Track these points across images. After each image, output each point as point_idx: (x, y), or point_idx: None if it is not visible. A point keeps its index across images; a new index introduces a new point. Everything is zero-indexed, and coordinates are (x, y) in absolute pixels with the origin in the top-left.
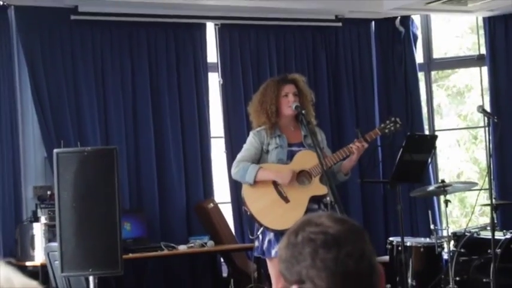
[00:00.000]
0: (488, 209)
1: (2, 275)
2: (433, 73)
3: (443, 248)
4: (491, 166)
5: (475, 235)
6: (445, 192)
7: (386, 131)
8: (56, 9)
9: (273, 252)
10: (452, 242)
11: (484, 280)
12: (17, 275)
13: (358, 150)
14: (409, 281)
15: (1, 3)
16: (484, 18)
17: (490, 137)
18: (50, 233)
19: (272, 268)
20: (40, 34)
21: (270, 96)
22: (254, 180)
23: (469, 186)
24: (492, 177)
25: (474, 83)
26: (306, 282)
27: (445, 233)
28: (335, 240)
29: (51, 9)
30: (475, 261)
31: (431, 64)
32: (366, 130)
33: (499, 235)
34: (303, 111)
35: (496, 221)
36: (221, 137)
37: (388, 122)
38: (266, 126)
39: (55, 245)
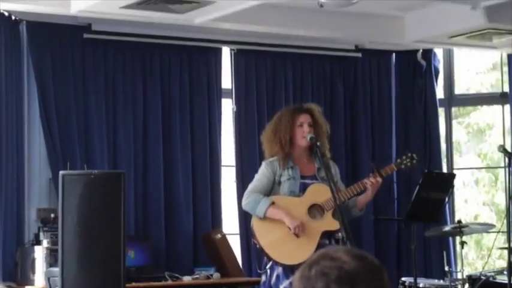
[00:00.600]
0: (505, 252)
1: None
2: (453, 109)
3: None
4: (510, 208)
5: (491, 279)
6: (461, 233)
7: (403, 166)
8: (69, 27)
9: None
10: (467, 285)
11: None
12: None
13: (372, 185)
14: None
15: (13, 18)
16: (508, 55)
17: (510, 178)
18: (52, 258)
19: None
20: (51, 51)
21: (284, 125)
22: (264, 215)
23: (486, 228)
24: (511, 220)
25: (496, 121)
26: None
27: (459, 276)
28: (349, 276)
29: (64, 26)
30: None
31: (452, 100)
32: (382, 165)
33: None
34: (318, 143)
35: None
36: (232, 166)
37: (404, 157)
38: (279, 157)
39: (56, 270)
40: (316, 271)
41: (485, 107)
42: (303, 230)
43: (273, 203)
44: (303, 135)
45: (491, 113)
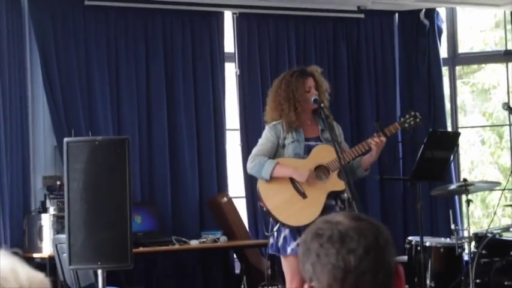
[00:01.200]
0: (511, 209)
1: (7, 266)
2: (457, 69)
3: (463, 249)
4: None
5: (497, 236)
6: (467, 192)
7: (406, 125)
8: None
9: (289, 249)
10: (473, 243)
11: (506, 283)
12: (23, 267)
13: (377, 145)
14: (428, 282)
15: None
16: None
17: None
18: (59, 225)
19: (286, 266)
20: (53, 20)
21: (299, 93)
22: (270, 176)
23: (492, 185)
24: None
25: (500, 80)
26: (313, 279)
27: (466, 234)
28: (341, 235)
29: None
30: (497, 264)
31: (456, 59)
32: (386, 125)
33: None
34: (322, 104)
35: None
36: (237, 130)
37: (407, 116)
38: (284, 120)
39: (63, 236)
40: (312, 233)
41: (489, 66)
42: (311, 185)
43: (278, 163)
44: (311, 99)
45: (495, 73)
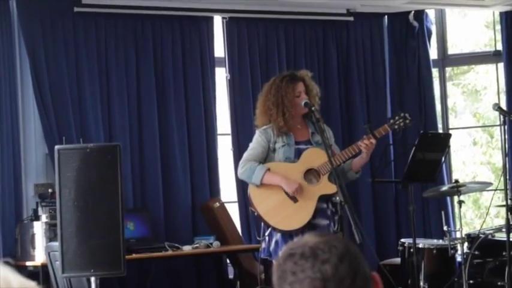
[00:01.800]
0: (503, 210)
1: (0, 275)
2: (448, 70)
3: (456, 250)
4: (507, 166)
5: (490, 237)
6: (458, 193)
7: (396, 127)
8: (58, 1)
9: (280, 253)
10: (466, 244)
11: (499, 283)
12: (15, 276)
13: (367, 147)
14: (421, 283)
15: None
16: (500, 13)
17: (506, 136)
18: (51, 232)
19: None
20: (42, 26)
21: (288, 99)
22: (261, 182)
23: (483, 186)
24: (508, 177)
25: (490, 81)
26: None
27: (458, 235)
28: (312, 250)
29: (54, 0)
30: (490, 264)
31: (446, 60)
32: (377, 127)
33: None
34: (313, 108)
35: (511, 223)
36: (228, 134)
37: (397, 117)
38: (274, 125)
39: (56, 244)
40: (284, 256)
41: (479, 67)
42: (301, 192)
43: (268, 170)
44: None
45: (485, 74)
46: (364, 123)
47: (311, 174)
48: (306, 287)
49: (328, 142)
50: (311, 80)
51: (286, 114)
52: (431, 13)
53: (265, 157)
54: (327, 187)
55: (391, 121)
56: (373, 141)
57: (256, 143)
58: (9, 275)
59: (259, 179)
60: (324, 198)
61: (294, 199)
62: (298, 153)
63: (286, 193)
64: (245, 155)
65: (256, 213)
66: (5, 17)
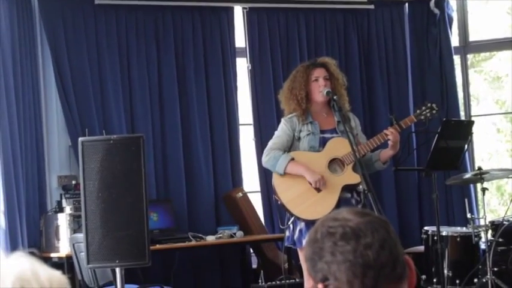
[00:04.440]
0: None
1: (28, 267)
2: (469, 57)
3: (480, 238)
4: None
5: None
6: (482, 180)
7: (422, 117)
8: None
9: (304, 242)
10: (489, 231)
11: None
12: (42, 267)
13: (392, 135)
14: (445, 271)
15: None
16: None
17: None
18: (75, 224)
19: (303, 259)
20: (63, 19)
21: (299, 82)
22: (284, 171)
23: (507, 173)
24: None
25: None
26: (330, 278)
27: (482, 222)
28: (354, 232)
29: None
30: None
31: (467, 47)
32: (399, 116)
33: None
34: (335, 97)
35: None
36: (250, 124)
37: (423, 108)
38: (297, 113)
39: (80, 235)
40: (322, 232)
41: (501, 53)
42: (324, 184)
43: (292, 159)
44: (319, 89)
45: (507, 60)
46: (386, 112)
47: (335, 163)
48: (344, 270)
49: (354, 131)
50: (336, 69)
51: (299, 98)
52: (452, 0)
53: (290, 145)
54: (351, 177)
55: (418, 111)
56: (398, 129)
57: (281, 131)
58: (36, 265)
59: (283, 168)
60: (348, 188)
61: (317, 188)
62: (323, 142)
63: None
64: (270, 143)
65: (279, 202)
66: (26, 11)
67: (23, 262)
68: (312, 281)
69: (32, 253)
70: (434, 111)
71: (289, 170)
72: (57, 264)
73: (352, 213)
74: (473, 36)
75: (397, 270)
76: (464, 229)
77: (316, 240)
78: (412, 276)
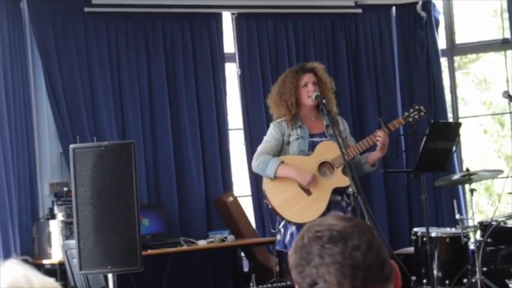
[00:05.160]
0: None
1: (21, 274)
2: (456, 60)
3: (469, 238)
4: None
5: (502, 224)
6: (470, 181)
7: (410, 119)
8: (69, 2)
9: (290, 250)
10: (478, 232)
11: None
12: (36, 274)
13: (381, 138)
14: (435, 272)
15: None
16: (508, 1)
17: None
18: (67, 230)
19: (290, 266)
20: (53, 27)
21: (289, 87)
22: (274, 175)
23: (495, 174)
24: None
25: (499, 69)
26: (319, 282)
27: (471, 223)
28: (341, 234)
29: (64, 1)
30: (503, 251)
31: (454, 49)
32: (388, 119)
33: None
34: (324, 101)
35: None
36: (240, 129)
37: (411, 110)
38: (287, 118)
39: (73, 242)
40: (309, 237)
41: (487, 55)
42: (315, 185)
43: (282, 162)
44: (308, 94)
45: (493, 62)
46: (375, 115)
47: (325, 167)
48: (333, 272)
49: (343, 134)
50: (325, 73)
51: (288, 103)
52: (438, 3)
53: (280, 150)
54: (341, 180)
55: (406, 114)
56: (387, 131)
57: (270, 136)
58: (30, 273)
59: (273, 172)
60: (338, 191)
61: (308, 192)
62: (312, 146)
63: (301, 186)
64: (259, 148)
65: (270, 206)
66: (16, 18)
67: (17, 270)
68: None
69: (25, 260)
70: (422, 113)
71: (280, 173)
72: (50, 271)
73: (337, 218)
74: (459, 39)
75: (385, 271)
76: (453, 230)
77: (303, 245)
78: (397, 279)
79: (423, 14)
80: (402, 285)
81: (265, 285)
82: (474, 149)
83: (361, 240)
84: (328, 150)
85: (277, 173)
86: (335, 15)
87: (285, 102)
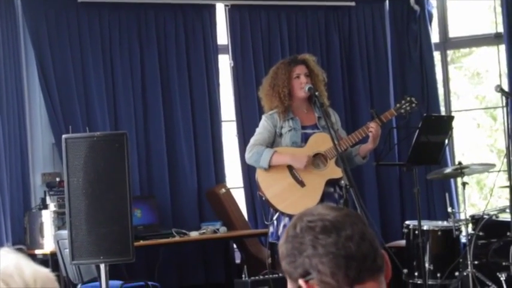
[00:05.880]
0: (507, 191)
1: (11, 263)
2: (449, 53)
3: (461, 232)
4: (510, 146)
5: (494, 218)
6: (462, 174)
7: (402, 111)
8: None
9: (281, 239)
10: (470, 225)
11: (504, 263)
12: (28, 263)
13: (373, 131)
14: (427, 265)
15: None
16: None
17: (509, 117)
18: (60, 221)
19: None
20: (46, 18)
21: (281, 79)
22: (269, 164)
23: (487, 167)
24: (511, 158)
25: (492, 64)
26: (311, 272)
27: (462, 216)
28: (333, 225)
29: None
30: (494, 244)
31: (447, 43)
32: (381, 111)
33: None
34: (316, 93)
35: None
36: (232, 121)
37: (403, 101)
38: (278, 110)
39: (65, 232)
40: (301, 227)
41: (480, 49)
42: (309, 174)
43: (276, 152)
44: (301, 86)
45: (486, 56)
46: (368, 108)
47: (318, 159)
48: (326, 263)
49: (335, 126)
50: (316, 65)
51: (281, 95)
52: None
53: (272, 142)
54: (334, 171)
55: (398, 105)
56: (380, 125)
57: (263, 127)
58: (22, 262)
59: (267, 161)
60: (331, 183)
61: (301, 183)
62: (305, 138)
63: (294, 177)
64: (252, 140)
65: (264, 198)
66: (9, 8)
67: (7, 258)
68: (291, 282)
69: (19, 249)
70: (414, 105)
71: (275, 162)
72: (42, 261)
73: (328, 208)
74: (453, 33)
75: (378, 261)
76: (445, 223)
77: (295, 235)
78: (388, 269)
79: (416, 7)
80: (393, 278)
81: (257, 277)
82: (467, 143)
83: (354, 230)
84: (321, 142)
85: (272, 162)
86: (328, 8)
87: (278, 93)
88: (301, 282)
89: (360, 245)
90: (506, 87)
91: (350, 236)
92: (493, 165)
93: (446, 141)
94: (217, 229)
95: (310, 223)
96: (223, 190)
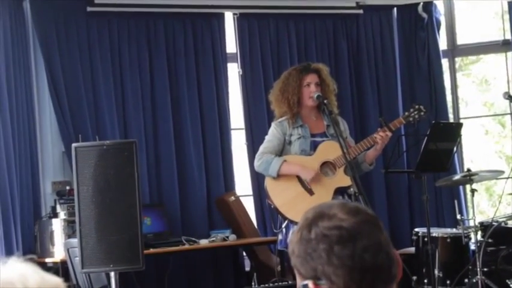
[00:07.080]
0: None
1: (16, 271)
2: (457, 61)
3: (470, 239)
4: None
5: (503, 224)
6: (471, 181)
7: (411, 119)
8: (71, 1)
9: (293, 236)
10: (479, 232)
11: None
12: (37, 272)
13: (382, 139)
14: (436, 272)
15: None
16: (509, 3)
17: None
18: (70, 229)
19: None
20: (56, 26)
21: (292, 86)
22: (277, 173)
23: (495, 174)
24: None
25: (500, 71)
26: (322, 279)
27: (471, 223)
28: (350, 234)
29: (67, 0)
30: (503, 251)
31: (455, 50)
32: (389, 119)
33: None
34: (325, 101)
35: None
36: (241, 129)
37: (412, 110)
38: (288, 117)
39: (75, 240)
40: (317, 234)
41: (488, 56)
42: (318, 183)
43: (285, 161)
44: (310, 95)
45: (495, 63)
46: (376, 116)
47: (327, 167)
48: (341, 275)
49: (344, 134)
50: (328, 75)
51: (291, 102)
52: (439, 4)
53: (281, 149)
54: (343, 179)
55: (406, 113)
56: (389, 133)
57: (272, 135)
58: (28, 272)
59: (276, 171)
60: (339, 191)
61: (310, 192)
62: (314, 146)
63: (303, 186)
64: (261, 148)
65: (272, 206)
66: (19, 17)
67: (15, 269)
68: (299, 276)
69: (30, 259)
70: (422, 113)
71: (283, 171)
72: (52, 270)
73: (344, 210)
74: (461, 40)
75: (392, 271)
76: (454, 230)
77: (309, 239)
78: (399, 269)
79: (424, 15)
80: (403, 286)
81: (266, 285)
82: (475, 150)
83: (371, 240)
84: (330, 150)
85: (281, 171)
86: (336, 16)
87: (287, 100)
88: (310, 285)
89: (376, 257)
90: None
91: (366, 247)
92: (502, 172)
93: (455, 148)
94: (227, 237)
95: (326, 230)
96: (233, 198)
